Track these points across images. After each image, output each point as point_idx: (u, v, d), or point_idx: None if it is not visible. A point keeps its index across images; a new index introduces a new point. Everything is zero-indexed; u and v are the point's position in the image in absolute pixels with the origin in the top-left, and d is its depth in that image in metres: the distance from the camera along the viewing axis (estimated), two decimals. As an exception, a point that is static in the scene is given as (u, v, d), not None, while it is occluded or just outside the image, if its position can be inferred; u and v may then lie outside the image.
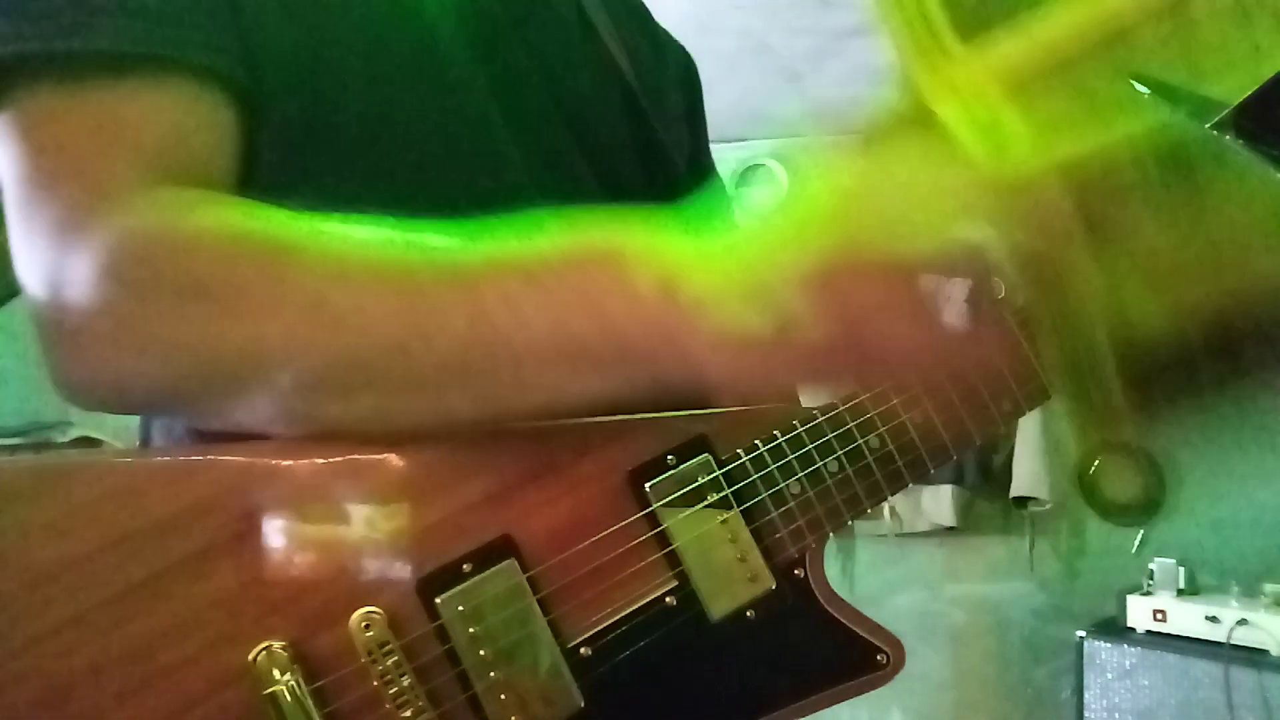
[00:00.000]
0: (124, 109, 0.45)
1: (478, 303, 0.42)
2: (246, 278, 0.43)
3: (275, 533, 0.45)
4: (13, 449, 2.06)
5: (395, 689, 0.44)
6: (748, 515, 0.49)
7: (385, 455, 0.47)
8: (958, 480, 2.93)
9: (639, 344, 0.42)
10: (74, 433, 2.12)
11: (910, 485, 0.52)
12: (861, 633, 0.50)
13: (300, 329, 0.43)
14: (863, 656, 0.50)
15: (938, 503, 2.94)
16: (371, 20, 0.52)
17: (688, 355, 0.41)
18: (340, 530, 0.46)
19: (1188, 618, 2.48)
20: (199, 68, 0.46)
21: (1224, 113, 0.48)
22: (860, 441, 0.51)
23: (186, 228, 0.44)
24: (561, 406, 0.45)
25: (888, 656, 0.50)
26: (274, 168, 0.48)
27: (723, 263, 0.41)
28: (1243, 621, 2.36)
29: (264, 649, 0.43)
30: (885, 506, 2.62)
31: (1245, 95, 0.47)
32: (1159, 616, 2.53)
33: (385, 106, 0.51)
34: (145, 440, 0.55)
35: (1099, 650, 2.55)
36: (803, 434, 0.50)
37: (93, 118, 0.45)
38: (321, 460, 0.46)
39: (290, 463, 0.46)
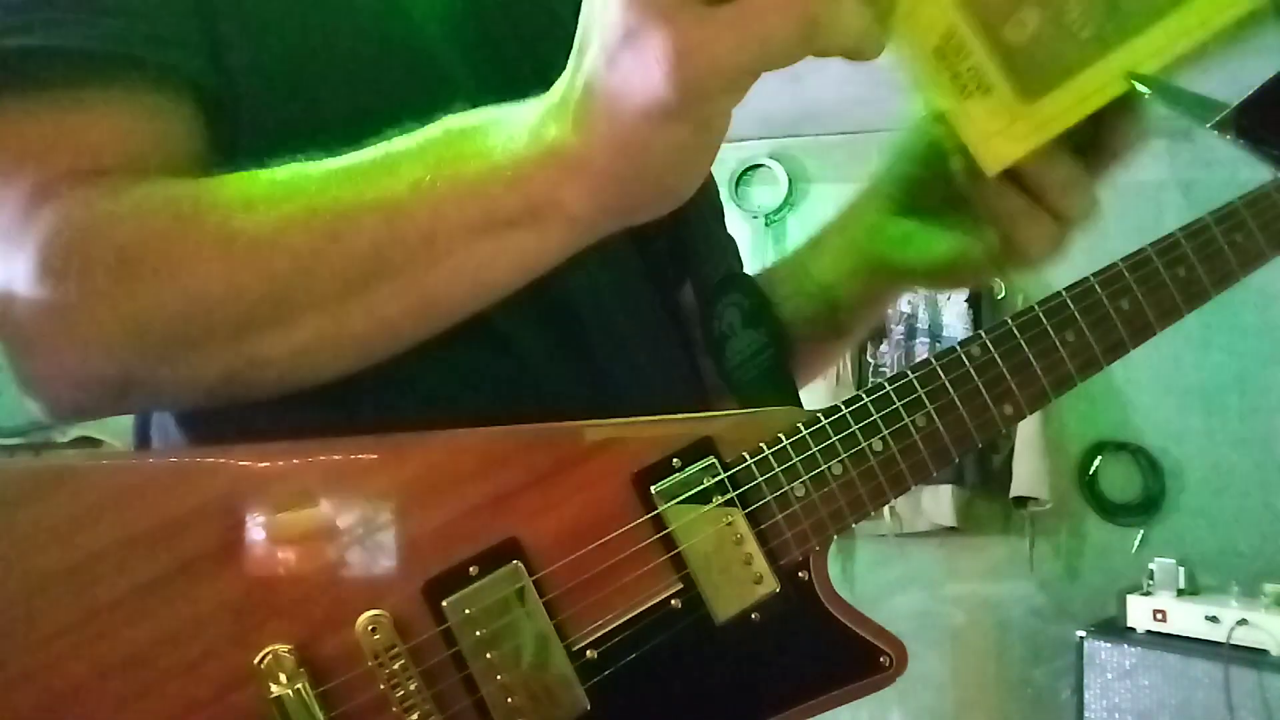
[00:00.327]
0: (71, 108, 0.45)
1: (377, 193, 0.43)
2: (162, 235, 0.43)
3: (280, 535, 0.45)
4: (13, 449, 2.06)
5: (402, 692, 0.44)
6: (752, 518, 0.49)
7: (390, 457, 0.47)
8: (958, 480, 2.94)
9: (541, 189, 0.43)
10: (74, 433, 2.11)
11: (912, 487, 0.52)
12: (864, 635, 0.50)
13: (218, 267, 0.43)
14: (866, 659, 0.50)
15: (938, 503, 2.94)
16: (360, 19, 0.52)
17: (590, 179, 0.42)
18: (346, 533, 0.45)
19: (1188, 618, 2.48)
20: (152, 63, 0.46)
21: (1224, 113, 0.48)
22: (864, 444, 0.51)
23: (107, 208, 0.44)
24: (495, 280, 0.46)
25: (890, 659, 0.50)
26: (254, 163, 0.48)
27: (575, 88, 0.42)
28: (1243, 621, 2.36)
29: (270, 653, 0.43)
30: (885, 506, 2.63)
31: (1245, 95, 0.47)
32: (1159, 616, 2.53)
33: (372, 104, 0.51)
34: (142, 442, 0.55)
35: (1099, 650, 2.56)
36: (806, 437, 0.50)
37: (39, 118, 0.45)
38: (328, 462, 0.46)
39: (296, 464, 0.46)
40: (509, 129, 0.44)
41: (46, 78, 0.44)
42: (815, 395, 0.65)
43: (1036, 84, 0.47)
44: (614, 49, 0.39)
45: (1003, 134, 0.49)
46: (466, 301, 0.46)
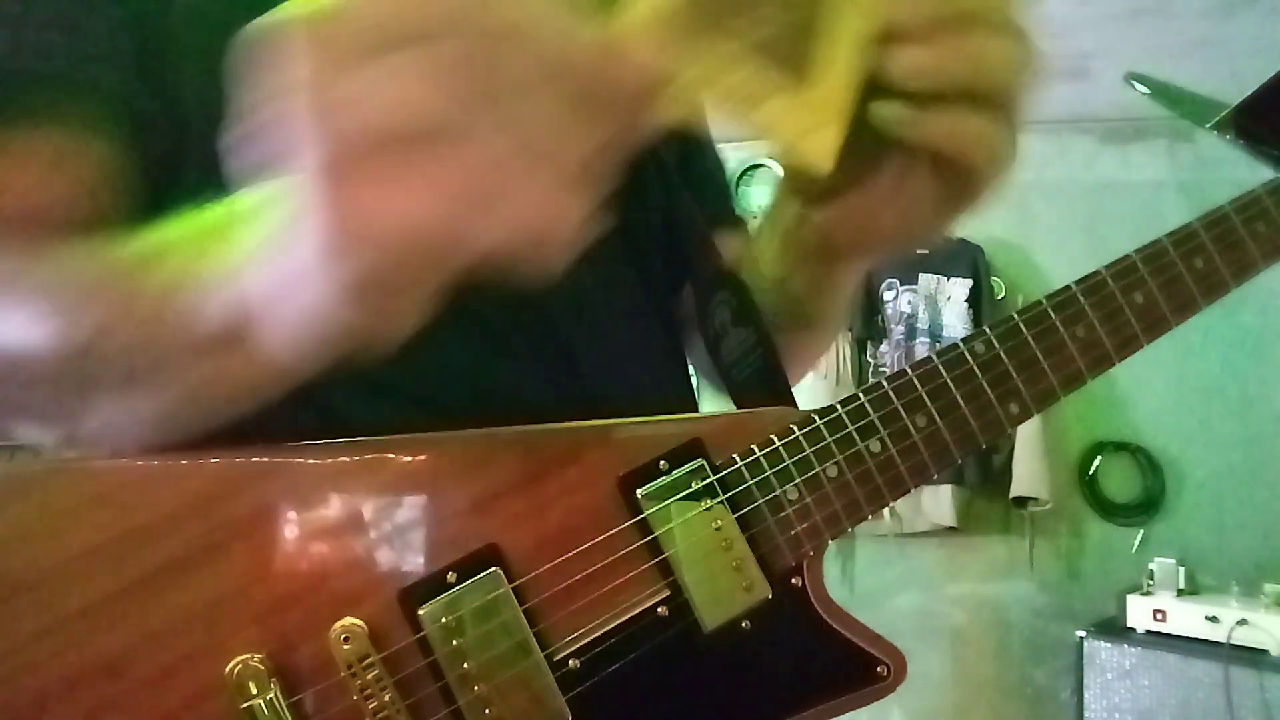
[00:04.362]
0: None
1: (143, 304, 0.40)
2: None
3: (253, 541, 0.43)
4: (12, 450, 2.04)
5: (376, 703, 0.42)
6: (743, 522, 0.47)
7: (368, 461, 0.45)
8: (958, 480, 2.93)
9: (237, 306, 0.37)
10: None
11: (912, 489, 0.51)
12: (861, 643, 0.49)
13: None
14: (862, 668, 0.48)
15: (938, 503, 2.94)
16: None
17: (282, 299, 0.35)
18: (320, 539, 0.44)
19: (1188, 618, 2.48)
20: (70, 80, 0.43)
21: (1224, 113, 0.47)
22: (860, 446, 0.49)
23: None
24: (230, 403, 0.42)
25: (888, 668, 0.48)
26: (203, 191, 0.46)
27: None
28: (1243, 621, 2.36)
29: (241, 662, 0.42)
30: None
31: (1245, 96, 0.46)
32: (1159, 616, 2.53)
33: None
34: None
35: (1099, 650, 2.55)
36: (800, 438, 0.49)
37: None
38: (302, 468, 0.45)
39: (268, 470, 0.45)
40: (255, 218, 0.37)
41: None
42: (816, 396, 0.63)
43: (801, 62, 0.42)
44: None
45: (811, 128, 0.43)
46: (220, 414, 0.42)
